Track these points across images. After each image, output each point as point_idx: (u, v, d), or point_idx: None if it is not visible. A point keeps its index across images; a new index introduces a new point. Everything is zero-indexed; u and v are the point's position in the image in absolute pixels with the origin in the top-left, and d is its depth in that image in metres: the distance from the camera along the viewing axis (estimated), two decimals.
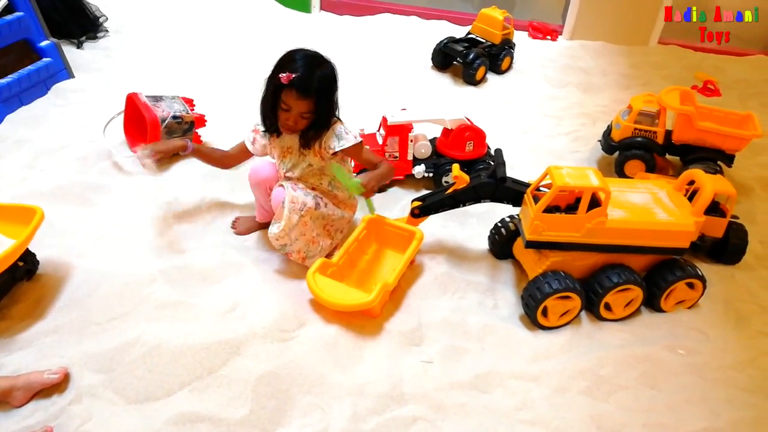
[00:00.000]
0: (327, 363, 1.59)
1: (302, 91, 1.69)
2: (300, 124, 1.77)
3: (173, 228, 2.03)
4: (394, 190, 2.38)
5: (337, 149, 1.81)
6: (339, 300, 1.68)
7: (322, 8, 4.24)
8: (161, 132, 2.29)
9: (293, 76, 1.67)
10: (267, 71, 1.77)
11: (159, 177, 2.32)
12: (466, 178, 1.89)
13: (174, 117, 2.33)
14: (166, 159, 1.98)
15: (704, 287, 1.85)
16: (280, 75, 1.68)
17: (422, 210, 1.96)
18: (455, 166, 1.94)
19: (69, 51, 3.13)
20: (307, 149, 1.84)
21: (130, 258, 1.87)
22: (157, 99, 2.37)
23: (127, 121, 2.45)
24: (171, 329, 1.59)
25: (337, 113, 1.84)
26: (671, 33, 4.09)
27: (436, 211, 1.99)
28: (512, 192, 1.88)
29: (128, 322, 1.63)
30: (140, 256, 1.88)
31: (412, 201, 1.98)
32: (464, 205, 1.95)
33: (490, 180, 1.88)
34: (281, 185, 1.85)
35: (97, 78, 3.02)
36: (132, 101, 2.36)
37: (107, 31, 3.50)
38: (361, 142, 1.87)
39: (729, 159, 2.43)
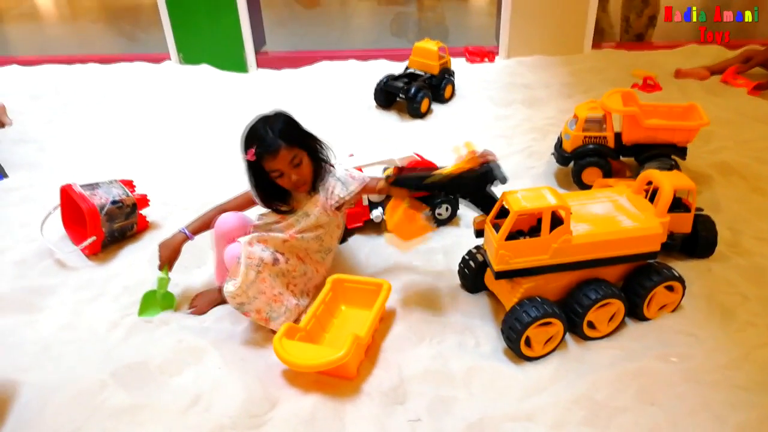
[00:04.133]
0: None
1: (272, 148, 1.69)
2: (302, 171, 1.77)
3: (124, 321, 1.89)
4: (355, 239, 2.29)
5: (345, 196, 1.83)
6: (309, 360, 1.57)
7: (259, 66, 4.22)
8: (102, 220, 2.17)
9: (254, 148, 1.69)
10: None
11: (106, 267, 2.19)
12: (478, 160, 1.71)
13: (114, 202, 2.22)
14: (175, 259, 1.95)
15: (684, 288, 1.80)
16: (246, 157, 1.70)
17: (396, 180, 1.78)
18: (468, 142, 1.76)
19: (1, 151, 3.01)
20: (311, 199, 1.83)
21: (80, 364, 1.72)
22: (93, 187, 2.26)
23: (65, 215, 2.33)
24: None
25: (327, 153, 1.85)
26: (603, 37, 4.18)
27: (410, 187, 1.80)
28: (489, 200, 1.73)
29: None
30: (90, 359, 1.73)
31: (384, 170, 1.83)
32: (438, 192, 1.80)
33: (481, 181, 1.71)
34: (238, 241, 1.77)
35: (32, 175, 2.89)
36: (66, 193, 2.24)
37: None
38: (367, 180, 1.87)
39: (682, 152, 2.42)
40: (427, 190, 1.80)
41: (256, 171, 1.76)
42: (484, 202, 1.76)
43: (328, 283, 1.87)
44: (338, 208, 1.86)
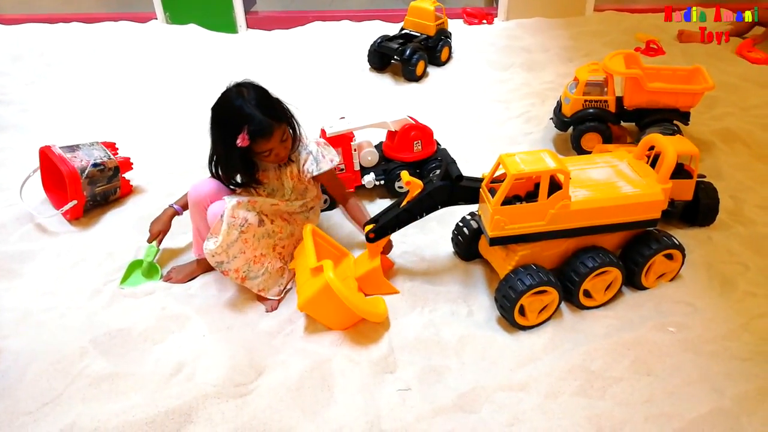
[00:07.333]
0: (294, 412, 1.42)
1: (267, 131, 1.61)
2: (288, 145, 1.72)
3: (107, 288, 1.83)
4: None
5: (315, 173, 1.77)
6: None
7: (248, 26, 4.07)
8: (83, 183, 2.09)
9: (246, 131, 1.57)
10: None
11: (89, 232, 2.12)
12: (419, 182, 1.71)
13: (95, 165, 2.13)
14: (165, 232, 1.90)
15: (683, 256, 1.74)
16: (237, 143, 1.58)
17: (378, 232, 1.73)
18: (404, 173, 1.74)
19: None
20: (284, 170, 1.78)
21: (61, 330, 1.66)
22: (73, 149, 2.17)
23: (45, 178, 2.24)
24: (109, 407, 1.40)
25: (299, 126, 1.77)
26: None
27: (393, 230, 1.76)
28: (470, 191, 1.70)
29: (61, 406, 1.43)
30: (71, 326, 1.67)
31: (365, 225, 1.79)
32: (421, 216, 1.77)
33: (445, 183, 1.68)
34: (223, 199, 1.70)
35: (14, 136, 2.79)
36: (45, 155, 2.15)
37: None
38: (337, 165, 1.83)
39: (685, 117, 2.34)
40: (408, 220, 1.74)
41: (240, 157, 1.67)
42: (465, 196, 1.71)
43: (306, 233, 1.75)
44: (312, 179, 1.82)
